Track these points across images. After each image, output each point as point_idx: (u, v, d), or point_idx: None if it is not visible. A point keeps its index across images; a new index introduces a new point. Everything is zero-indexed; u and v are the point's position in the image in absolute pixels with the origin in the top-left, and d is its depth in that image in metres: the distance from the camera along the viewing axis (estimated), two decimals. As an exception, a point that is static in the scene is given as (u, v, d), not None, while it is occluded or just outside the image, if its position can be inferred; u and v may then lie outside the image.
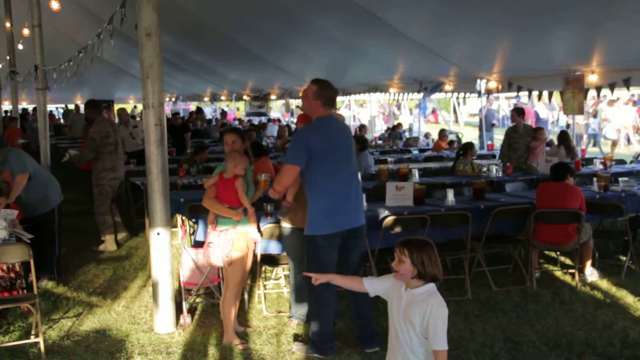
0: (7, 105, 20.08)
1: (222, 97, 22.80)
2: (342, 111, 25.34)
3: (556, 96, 10.92)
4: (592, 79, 9.34)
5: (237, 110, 27.08)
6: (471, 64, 10.69)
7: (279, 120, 22.57)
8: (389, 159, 10.72)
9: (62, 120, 26.14)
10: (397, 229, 5.51)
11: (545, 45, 8.53)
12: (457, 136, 16.60)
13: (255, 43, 12.14)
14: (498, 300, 5.55)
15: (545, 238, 5.98)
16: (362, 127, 16.11)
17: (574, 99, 9.72)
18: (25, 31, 12.42)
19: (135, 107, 31.42)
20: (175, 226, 7.72)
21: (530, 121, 17.28)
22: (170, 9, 9.69)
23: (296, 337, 4.77)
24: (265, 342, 4.70)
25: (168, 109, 25.58)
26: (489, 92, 11.85)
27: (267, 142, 14.37)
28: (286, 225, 4.89)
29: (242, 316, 5.21)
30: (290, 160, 4.34)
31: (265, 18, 10.12)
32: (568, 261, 6.77)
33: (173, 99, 26.96)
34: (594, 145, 19.12)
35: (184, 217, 7.20)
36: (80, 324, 5.12)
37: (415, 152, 13.17)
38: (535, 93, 11.16)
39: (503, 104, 25.55)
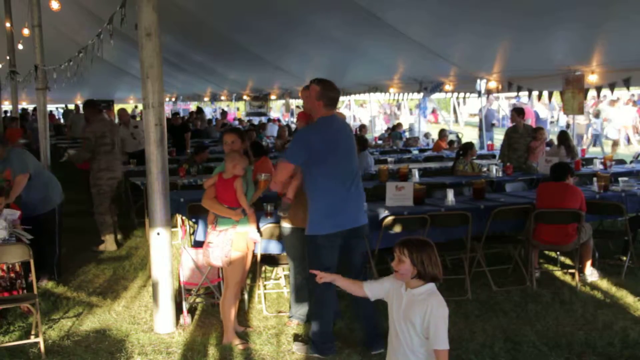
0: (7, 105, 20.08)
1: (222, 97, 22.80)
2: (342, 111, 25.34)
3: (556, 96, 10.92)
4: (592, 79, 9.34)
5: (237, 110, 27.07)
6: (471, 64, 10.69)
7: (278, 120, 22.57)
8: (389, 159, 10.73)
9: (62, 120, 26.15)
10: (397, 229, 5.51)
11: (545, 45, 8.53)
12: (457, 136, 16.60)
13: (255, 43, 12.14)
14: (498, 300, 5.55)
15: (545, 238, 5.98)
16: (362, 127, 16.11)
17: (574, 99, 9.72)
18: (25, 31, 12.43)
19: (135, 107, 31.43)
20: (175, 226, 7.72)
21: (530, 121, 17.28)
22: (170, 9, 9.70)
23: (296, 337, 4.77)
24: (265, 342, 4.70)
25: (168, 109, 25.58)
26: (489, 92, 11.85)
27: (267, 142, 14.37)
28: (286, 225, 4.89)
29: (242, 316, 5.21)
30: (287, 158, 4.38)
31: (265, 18, 10.12)
32: (568, 261, 6.77)
33: (173, 99, 26.96)
34: (594, 145, 19.12)
35: (184, 217, 7.21)
36: (80, 324, 5.12)
37: (415, 152, 13.18)
38: (535, 93, 11.17)
39: (503, 104, 25.54)
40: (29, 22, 10.18)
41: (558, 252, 6.64)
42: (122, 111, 12.48)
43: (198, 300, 5.52)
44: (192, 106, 30.08)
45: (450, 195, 6.30)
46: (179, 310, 5.06)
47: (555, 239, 5.94)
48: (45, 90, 9.83)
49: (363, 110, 29.21)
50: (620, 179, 7.20)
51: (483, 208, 6.14)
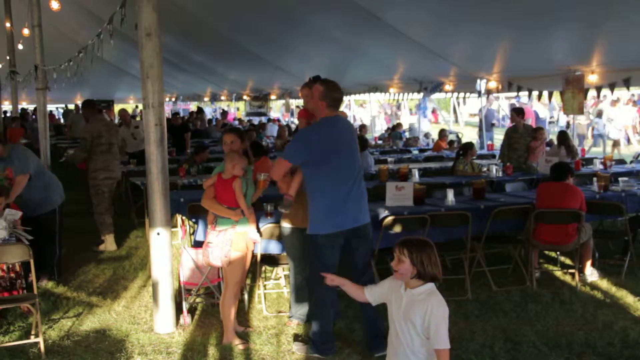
0: (7, 105, 20.09)
1: (222, 97, 22.80)
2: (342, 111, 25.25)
3: (556, 96, 10.92)
4: (592, 79, 9.34)
5: (237, 110, 27.07)
6: (471, 64, 10.69)
7: (278, 120, 22.57)
8: (389, 159, 10.72)
9: (62, 120, 26.16)
10: (397, 229, 5.51)
11: (545, 45, 8.53)
12: (457, 136, 16.61)
13: (255, 43, 12.14)
14: (498, 300, 5.55)
15: (545, 238, 5.98)
16: (362, 127, 16.12)
17: (574, 99, 9.73)
18: (25, 31, 12.43)
19: (136, 106, 31.43)
20: (175, 226, 7.72)
21: (530, 121, 17.28)
22: (170, 9, 9.69)
23: (296, 337, 4.77)
24: (265, 342, 4.70)
25: (168, 109, 25.58)
26: (489, 92, 11.85)
27: (267, 142, 14.38)
28: (286, 225, 4.89)
29: (242, 316, 5.21)
30: (285, 155, 4.39)
31: (265, 18, 10.12)
32: (568, 261, 6.77)
33: (173, 99, 26.97)
34: (594, 144, 19.12)
35: (184, 217, 7.20)
36: (80, 324, 5.12)
37: (415, 152, 13.18)
38: (535, 93, 11.17)
39: (503, 104, 25.55)
40: (29, 22, 10.19)
41: (558, 252, 6.64)
42: (123, 111, 12.47)
43: (198, 300, 5.52)
44: (192, 106, 30.08)
45: (450, 195, 6.30)
46: (179, 310, 5.06)
47: (555, 239, 5.94)
48: (45, 90, 9.83)
49: (363, 110, 29.22)
50: (620, 179, 7.20)
51: (483, 208, 6.14)
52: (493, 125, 19.55)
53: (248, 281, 5.76)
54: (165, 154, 4.79)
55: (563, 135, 10.27)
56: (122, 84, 23.71)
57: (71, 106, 27.54)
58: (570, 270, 6.27)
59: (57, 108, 31.58)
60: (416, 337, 2.89)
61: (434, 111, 30.12)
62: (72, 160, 8.28)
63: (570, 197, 5.87)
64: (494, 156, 11.21)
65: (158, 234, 4.81)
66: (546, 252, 6.80)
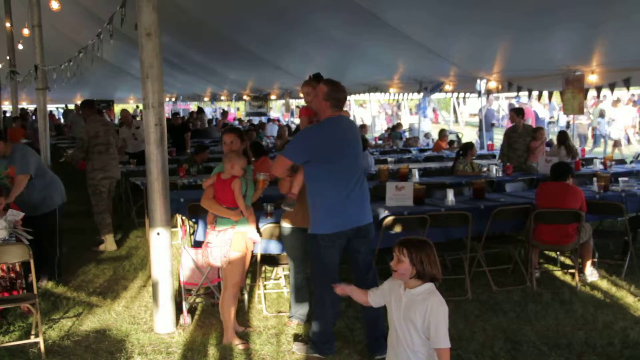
0: (6, 105, 20.09)
1: (222, 97, 22.80)
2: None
3: (556, 96, 10.93)
4: (592, 79, 9.35)
5: (237, 110, 27.09)
6: (471, 64, 10.69)
7: (278, 120, 22.56)
8: (389, 159, 10.73)
9: (62, 120, 26.16)
10: (397, 229, 5.51)
11: (545, 45, 8.54)
12: (457, 136, 16.61)
13: (255, 43, 12.15)
14: (498, 300, 5.55)
15: (545, 238, 5.98)
16: (362, 127, 16.12)
17: (574, 99, 9.73)
18: (25, 31, 12.43)
19: (137, 107, 31.45)
20: (175, 226, 7.72)
21: (530, 121, 17.29)
22: (170, 9, 9.70)
23: (296, 337, 4.77)
24: (265, 342, 4.70)
25: (168, 109, 25.59)
26: (489, 92, 11.86)
27: (267, 142, 14.38)
28: (286, 225, 4.89)
29: (242, 316, 5.21)
30: (285, 153, 4.39)
31: (265, 18, 10.13)
32: (568, 261, 6.77)
33: (173, 99, 26.97)
34: (595, 144, 19.13)
35: (184, 217, 7.21)
36: (80, 324, 5.12)
37: (415, 152, 13.18)
38: (535, 93, 11.17)
39: (502, 104, 25.55)
40: (29, 22, 10.18)
41: (558, 252, 6.64)
42: (125, 112, 12.47)
43: (198, 300, 5.52)
44: (192, 106, 30.08)
45: (450, 195, 6.30)
46: (179, 310, 5.06)
47: (555, 239, 5.94)
48: (45, 90, 9.83)
49: (363, 110, 29.23)
50: (620, 179, 7.20)
51: (483, 208, 6.13)
52: (493, 125, 19.56)
53: (248, 281, 5.76)
54: (165, 154, 4.79)
55: (563, 136, 10.26)
56: (122, 84, 23.71)
57: (71, 106, 27.55)
58: (570, 270, 6.27)
59: (57, 108, 31.58)
60: (416, 337, 2.89)
61: (434, 110, 30.13)
62: (70, 160, 8.29)
63: (570, 197, 5.87)
64: (494, 156, 11.21)
65: (158, 234, 4.81)
66: (546, 252, 6.80)
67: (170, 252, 4.92)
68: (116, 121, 23.85)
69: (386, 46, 10.13)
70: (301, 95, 4.92)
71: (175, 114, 16.90)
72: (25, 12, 10.75)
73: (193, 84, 20.72)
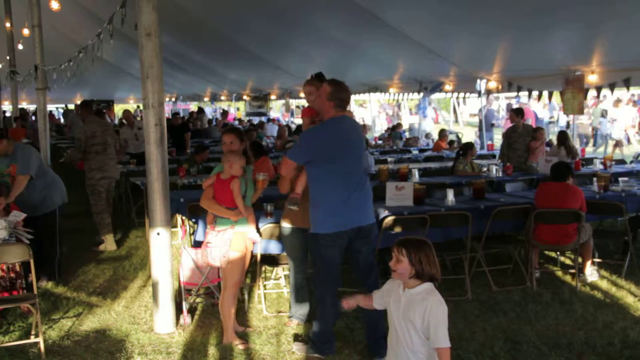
0: (6, 105, 20.08)
1: (222, 97, 22.79)
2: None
3: (556, 96, 10.92)
4: (592, 79, 9.34)
5: (237, 110, 27.09)
6: (471, 64, 10.69)
7: (277, 120, 22.55)
8: (389, 159, 10.72)
9: (62, 120, 26.16)
10: (397, 229, 5.51)
11: (545, 45, 8.53)
12: (457, 136, 16.61)
13: (255, 43, 12.15)
14: (498, 300, 5.55)
15: (545, 238, 5.98)
16: (362, 127, 16.09)
17: (574, 99, 9.73)
18: (25, 31, 12.43)
19: (138, 107, 31.44)
20: (175, 226, 7.72)
21: (530, 121, 17.28)
22: (170, 9, 9.70)
23: (296, 337, 4.77)
24: (265, 342, 4.70)
25: (168, 109, 25.59)
26: (489, 92, 11.85)
27: (267, 142, 14.38)
28: (286, 225, 4.89)
29: (242, 316, 5.21)
30: (289, 155, 4.40)
31: (265, 18, 10.13)
32: (568, 261, 6.77)
33: (173, 99, 26.96)
34: (595, 144, 19.12)
35: (184, 217, 7.21)
36: (80, 324, 5.12)
37: (415, 152, 13.18)
38: (535, 93, 11.17)
39: (501, 104, 25.53)
40: (29, 22, 10.18)
41: (558, 252, 6.63)
42: (127, 112, 12.45)
43: (198, 300, 5.52)
44: (192, 106, 30.07)
45: (450, 195, 6.30)
46: (179, 310, 5.06)
47: (555, 239, 5.94)
48: (45, 90, 9.83)
49: (364, 110, 29.21)
50: (620, 179, 7.20)
51: (483, 208, 6.13)
52: (493, 125, 19.57)
53: (248, 281, 5.76)
54: (165, 154, 4.79)
55: (563, 136, 10.26)
56: (122, 84, 23.71)
57: (71, 106, 27.53)
58: (570, 270, 6.27)
59: (57, 108, 31.58)
60: (416, 337, 2.89)
61: (434, 110, 30.12)
62: (69, 161, 8.29)
63: (570, 197, 5.87)
64: (494, 156, 11.21)
65: (158, 234, 4.81)
66: (546, 252, 6.80)
67: (170, 252, 4.92)
68: (116, 121, 23.88)
69: (386, 46, 10.12)
70: (301, 95, 4.92)
71: (175, 114, 16.90)
72: (25, 12, 10.75)
73: (193, 84, 20.71)
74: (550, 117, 23.57)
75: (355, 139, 4.40)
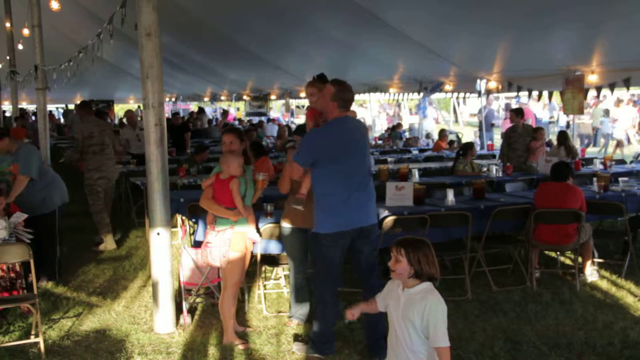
0: (6, 105, 20.06)
1: (222, 97, 22.79)
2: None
3: (556, 96, 10.92)
4: (592, 79, 9.34)
5: (237, 110, 27.08)
6: (471, 64, 10.69)
7: (277, 120, 22.54)
8: (389, 159, 10.72)
9: (62, 120, 26.16)
10: (397, 229, 5.51)
11: (545, 45, 8.53)
12: (457, 136, 16.61)
13: (255, 43, 12.14)
14: (498, 300, 5.55)
15: (545, 238, 5.98)
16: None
17: (574, 99, 9.73)
18: (25, 31, 12.42)
19: (138, 107, 31.41)
20: (175, 226, 7.72)
21: (530, 121, 17.28)
22: (170, 9, 9.70)
23: (296, 337, 4.77)
24: (265, 342, 4.70)
25: (168, 109, 25.58)
26: (489, 92, 11.85)
27: (267, 142, 14.38)
28: (286, 225, 4.89)
29: (242, 316, 5.21)
30: (296, 158, 4.40)
31: (265, 18, 10.13)
32: (568, 261, 6.77)
33: (173, 99, 26.96)
34: (595, 144, 19.11)
35: (184, 217, 7.21)
36: (80, 324, 5.12)
37: (415, 152, 13.18)
38: (535, 93, 11.17)
39: (501, 104, 25.49)
40: (29, 22, 10.18)
41: (558, 252, 6.63)
42: (130, 112, 12.43)
43: (198, 300, 5.52)
44: (193, 106, 30.05)
45: (450, 195, 6.30)
46: (179, 310, 5.06)
47: (555, 239, 5.94)
48: (45, 90, 9.83)
49: (364, 111, 29.18)
50: (620, 179, 7.20)
51: (483, 208, 6.14)
52: (493, 125, 19.57)
53: (247, 281, 5.76)
54: (165, 154, 4.79)
55: (563, 136, 10.27)
56: (122, 84, 23.71)
57: (71, 106, 27.54)
58: (570, 270, 6.27)
59: (57, 108, 31.58)
60: (415, 337, 2.90)
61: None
62: (68, 161, 8.30)
63: (570, 198, 5.87)
64: (494, 156, 11.21)
65: (158, 234, 4.81)
66: (546, 252, 6.80)
67: (170, 252, 4.92)
68: (116, 121, 23.89)
69: (386, 46, 10.12)
70: (302, 95, 4.92)
71: (175, 114, 16.88)
72: (25, 12, 10.75)
73: (193, 84, 20.71)
74: (550, 117, 23.57)
75: (359, 139, 4.40)
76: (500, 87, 11.39)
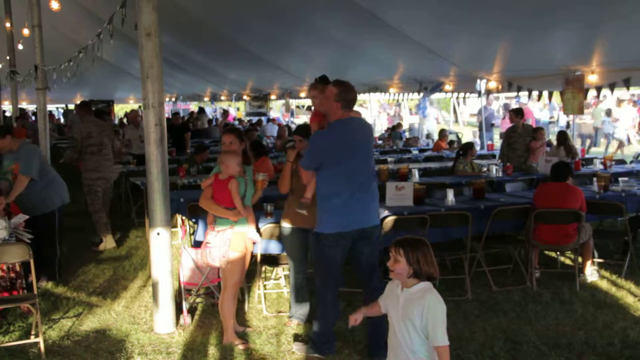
0: (6, 105, 20.05)
1: (222, 97, 22.78)
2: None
3: (556, 96, 10.92)
4: (592, 79, 9.34)
5: (237, 110, 27.06)
6: (471, 64, 10.69)
7: (277, 120, 22.53)
8: (389, 159, 10.72)
9: (62, 120, 26.15)
10: (397, 229, 5.51)
11: (545, 45, 8.53)
12: (457, 136, 16.60)
13: (255, 43, 12.14)
14: (498, 300, 5.55)
15: (545, 238, 5.98)
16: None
17: (574, 99, 9.73)
18: (25, 31, 12.42)
19: (139, 107, 31.40)
20: (175, 226, 7.72)
21: (530, 121, 17.29)
22: (170, 9, 9.69)
23: (296, 337, 4.77)
24: (265, 342, 4.70)
25: (168, 109, 25.58)
26: (489, 92, 11.85)
27: (267, 142, 14.37)
28: (286, 225, 4.89)
29: (242, 316, 5.21)
30: (303, 164, 4.40)
31: (265, 18, 10.12)
32: (568, 261, 6.77)
33: (173, 99, 26.95)
34: (595, 145, 19.10)
35: (184, 217, 7.21)
36: (80, 324, 5.12)
37: (415, 152, 13.18)
38: (535, 93, 11.17)
39: (500, 104, 25.48)
40: (29, 22, 10.18)
41: (558, 252, 6.63)
42: (134, 112, 12.42)
43: (198, 300, 5.52)
44: (192, 106, 30.05)
45: (450, 195, 6.30)
46: (179, 310, 5.06)
47: (555, 239, 5.94)
48: (45, 90, 9.83)
49: (364, 111, 29.16)
50: (620, 179, 7.20)
51: (483, 208, 6.14)
52: (493, 125, 19.57)
53: (247, 281, 5.76)
54: (165, 154, 4.79)
55: (562, 136, 10.27)
56: (122, 84, 23.71)
57: (71, 106, 27.52)
58: (570, 270, 6.27)
59: (57, 108, 31.56)
60: (415, 336, 2.90)
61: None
62: (68, 161, 8.30)
63: (570, 197, 5.87)
64: (494, 156, 11.21)
65: (158, 234, 4.81)
66: (546, 252, 6.80)
67: (170, 252, 4.92)
68: (116, 121, 23.88)
69: (386, 46, 10.12)
70: (301, 95, 4.92)
71: (175, 114, 16.88)
72: (25, 12, 10.75)
73: (193, 84, 20.71)
74: (550, 117, 23.57)
75: (362, 139, 4.39)
76: (500, 87, 11.39)
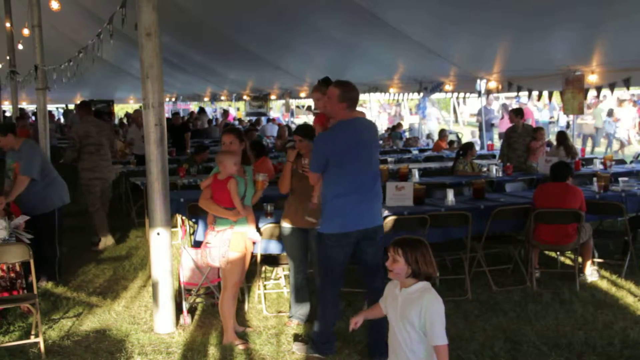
0: (6, 105, 20.05)
1: (222, 97, 22.78)
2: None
3: (556, 96, 10.92)
4: (592, 79, 9.34)
5: (237, 110, 27.06)
6: (471, 64, 10.69)
7: (277, 120, 22.53)
8: (389, 159, 10.72)
9: (62, 120, 26.15)
10: (397, 229, 5.51)
11: (545, 45, 8.53)
12: (457, 136, 16.61)
13: (255, 43, 12.15)
14: (498, 300, 5.55)
15: (545, 238, 5.98)
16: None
17: (574, 99, 9.73)
18: (25, 31, 12.42)
19: (140, 107, 31.36)
20: (175, 226, 7.72)
21: (530, 121, 17.28)
22: (170, 9, 9.70)
23: (296, 337, 4.77)
24: (265, 342, 4.70)
25: (168, 109, 25.57)
26: (489, 92, 11.86)
27: (267, 142, 14.38)
28: (286, 225, 4.89)
29: (242, 316, 5.21)
30: (311, 168, 4.39)
31: (265, 18, 10.13)
32: (568, 261, 6.77)
33: (173, 99, 26.96)
34: (596, 145, 19.09)
35: (184, 217, 7.21)
36: (80, 324, 5.12)
37: (415, 152, 13.18)
38: (535, 93, 11.17)
39: (497, 105, 25.48)
40: (29, 22, 10.17)
41: (558, 252, 6.63)
42: (137, 112, 12.40)
43: (198, 300, 5.52)
44: (192, 106, 30.05)
45: (450, 195, 6.30)
46: (179, 310, 5.06)
47: (555, 239, 5.94)
48: (45, 90, 9.82)
49: (364, 111, 29.13)
50: (620, 179, 7.20)
51: (483, 208, 6.14)
52: (493, 125, 19.56)
53: (247, 281, 5.76)
54: (165, 154, 4.79)
55: (562, 136, 10.27)
56: (122, 84, 23.70)
57: (71, 106, 27.53)
58: (570, 270, 6.27)
59: (57, 108, 31.56)
60: (414, 336, 2.90)
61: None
62: (66, 160, 8.31)
63: (570, 197, 5.87)
64: (494, 156, 11.21)
65: (158, 234, 4.81)
66: (546, 252, 6.80)
67: (170, 252, 4.92)
68: (116, 121, 23.88)
69: (386, 46, 10.12)
70: (302, 95, 4.92)
71: (175, 114, 16.88)
72: (25, 12, 10.74)
73: (193, 84, 20.71)
74: (550, 117, 23.56)
75: (367, 139, 4.37)
76: (500, 87, 11.40)
